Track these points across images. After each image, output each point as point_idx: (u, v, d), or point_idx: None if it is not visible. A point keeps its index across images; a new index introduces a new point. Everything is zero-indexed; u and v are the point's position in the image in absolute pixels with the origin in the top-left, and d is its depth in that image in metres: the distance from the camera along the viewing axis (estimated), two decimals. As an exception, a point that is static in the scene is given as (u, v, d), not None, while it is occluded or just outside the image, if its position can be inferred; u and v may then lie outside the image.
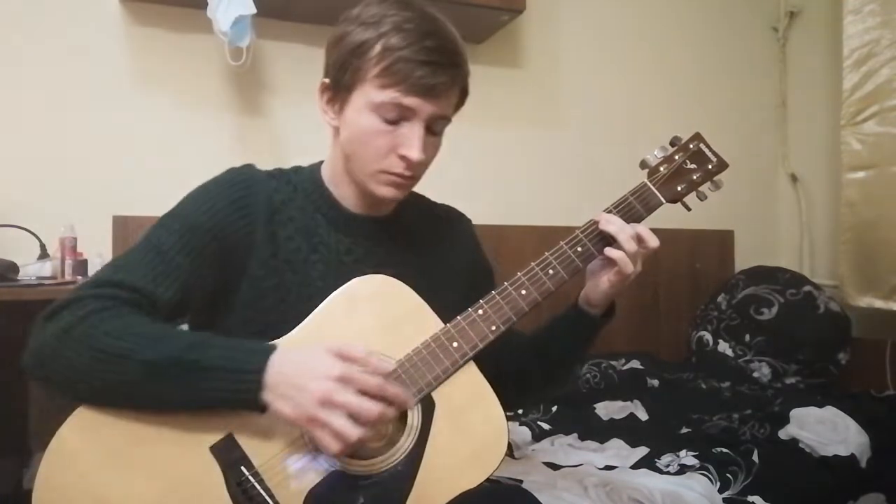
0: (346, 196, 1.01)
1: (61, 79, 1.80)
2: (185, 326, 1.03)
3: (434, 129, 0.96)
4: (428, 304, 0.95)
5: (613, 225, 0.98)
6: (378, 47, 0.90)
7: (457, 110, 1.01)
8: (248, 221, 0.95)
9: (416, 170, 0.96)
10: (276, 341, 0.89)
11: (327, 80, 0.97)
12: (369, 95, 0.92)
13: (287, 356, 0.81)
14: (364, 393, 0.78)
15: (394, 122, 0.92)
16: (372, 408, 0.78)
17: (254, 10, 1.73)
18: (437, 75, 0.90)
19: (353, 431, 0.77)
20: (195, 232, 0.92)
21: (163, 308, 0.88)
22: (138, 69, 1.88)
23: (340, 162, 1.00)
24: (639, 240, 0.98)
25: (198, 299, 0.95)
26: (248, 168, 1.01)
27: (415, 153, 0.92)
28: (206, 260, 0.92)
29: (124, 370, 0.80)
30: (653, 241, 0.99)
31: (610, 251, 0.98)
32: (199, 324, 1.01)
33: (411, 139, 0.92)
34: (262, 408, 0.80)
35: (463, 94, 1.00)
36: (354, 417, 0.77)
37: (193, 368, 0.80)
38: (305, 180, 1.02)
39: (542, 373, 1.11)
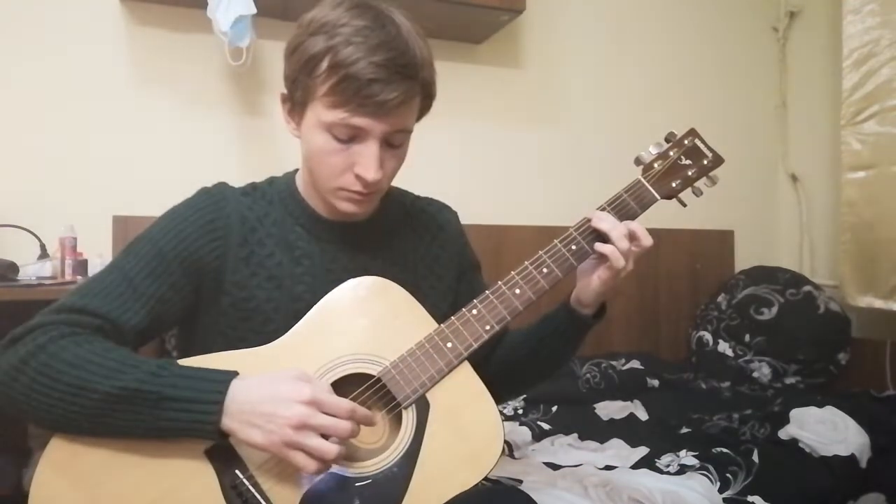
0: (321, 204, 1.00)
1: (62, 78, 1.80)
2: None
3: (392, 143, 0.92)
4: (422, 299, 0.94)
5: (606, 222, 0.97)
6: (325, 63, 0.86)
7: (422, 116, 0.98)
8: (218, 245, 0.94)
9: (376, 186, 0.92)
10: (268, 345, 0.89)
11: (285, 91, 0.95)
12: (319, 114, 0.89)
13: (250, 383, 0.80)
14: (334, 415, 0.79)
15: (347, 141, 0.89)
16: (345, 426, 0.79)
17: (254, 10, 1.73)
18: (386, 92, 0.85)
19: (332, 449, 0.77)
20: (163, 258, 0.91)
21: (128, 334, 0.88)
22: (138, 69, 1.88)
23: (307, 171, 0.99)
24: (631, 237, 0.96)
25: (170, 323, 0.95)
26: (220, 188, 0.99)
27: (370, 174, 0.89)
28: (176, 286, 0.91)
29: (83, 402, 0.79)
30: (646, 240, 0.97)
31: (601, 246, 0.96)
32: (183, 346, 1.01)
33: (367, 158, 0.89)
34: (223, 436, 0.80)
35: (426, 100, 0.95)
36: (328, 436, 0.78)
37: (152, 399, 0.79)
38: (282, 191, 1.01)
39: (532, 369, 1.11)
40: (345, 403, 0.80)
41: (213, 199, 0.97)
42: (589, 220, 0.99)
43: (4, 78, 1.75)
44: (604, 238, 0.98)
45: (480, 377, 0.93)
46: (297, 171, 1.05)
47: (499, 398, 0.93)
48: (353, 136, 0.89)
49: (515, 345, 1.11)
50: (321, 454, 0.77)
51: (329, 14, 0.88)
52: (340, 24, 0.87)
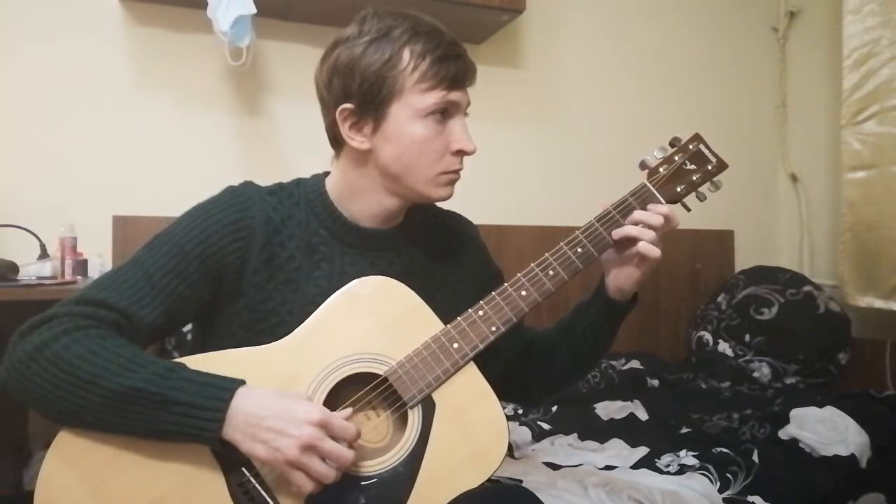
0: (357, 212, 1.00)
1: (61, 78, 1.80)
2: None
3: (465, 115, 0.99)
4: (436, 309, 0.94)
5: (626, 228, 0.98)
6: (406, 56, 0.91)
7: None
8: (242, 245, 0.93)
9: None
10: (274, 344, 0.90)
11: (350, 105, 0.94)
12: (414, 104, 0.92)
13: (256, 395, 0.81)
14: (340, 439, 0.80)
15: (442, 122, 0.94)
16: (348, 455, 0.80)
17: (254, 10, 1.73)
18: (466, 65, 0.95)
19: (331, 474, 0.79)
20: (185, 255, 0.91)
21: (144, 330, 0.88)
22: (138, 69, 1.88)
23: (365, 181, 0.98)
24: (667, 220, 0.99)
25: (186, 321, 0.95)
26: (246, 187, 0.99)
27: (471, 145, 0.96)
28: (195, 284, 0.91)
29: (90, 396, 0.79)
30: (675, 222, 1.00)
31: (642, 247, 0.97)
32: (195, 344, 1.01)
33: (461, 133, 0.96)
34: (224, 444, 0.80)
35: None
36: (331, 462, 0.79)
37: (155, 401, 0.79)
38: (309, 193, 1.00)
39: (573, 366, 1.12)
40: (352, 429, 0.81)
41: (239, 199, 0.96)
42: (594, 224, 1.00)
43: (4, 78, 1.75)
44: (614, 241, 1.00)
45: (515, 377, 0.94)
46: (326, 174, 1.04)
47: (539, 401, 0.94)
48: (447, 115, 0.95)
49: (552, 346, 1.12)
50: (320, 478, 0.79)
51: (373, 24, 0.94)
52: (395, 24, 0.93)
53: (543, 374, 1.13)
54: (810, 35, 2.67)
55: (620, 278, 1.03)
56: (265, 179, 1.04)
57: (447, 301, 1.02)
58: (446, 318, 0.94)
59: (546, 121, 2.38)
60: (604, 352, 1.13)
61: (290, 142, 1.98)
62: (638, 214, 0.99)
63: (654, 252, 0.97)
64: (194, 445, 0.82)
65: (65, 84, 1.80)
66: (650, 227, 0.98)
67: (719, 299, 2.37)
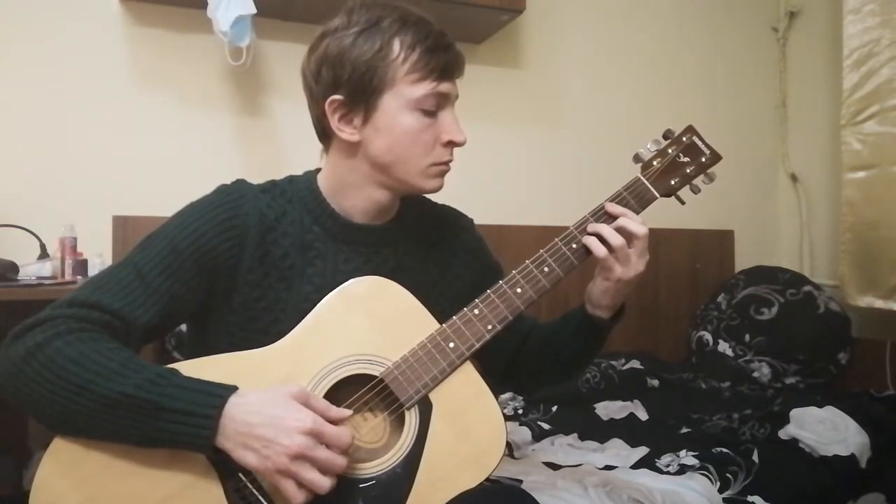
0: (349, 207, 1.00)
1: (62, 78, 1.80)
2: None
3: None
4: (431, 305, 0.94)
5: (592, 226, 0.97)
6: (396, 46, 0.91)
7: None
8: (235, 243, 0.93)
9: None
10: (270, 347, 0.89)
11: (339, 97, 0.93)
12: (405, 94, 0.92)
13: (248, 401, 0.80)
14: (333, 447, 0.79)
15: (432, 114, 0.94)
16: (341, 462, 0.79)
17: (254, 10, 1.73)
18: (456, 56, 0.95)
19: (325, 483, 0.78)
20: (178, 255, 0.90)
21: (138, 331, 0.87)
22: (138, 69, 1.88)
23: (355, 174, 0.98)
24: (622, 231, 0.96)
25: (180, 321, 0.95)
26: (239, 185, 0.98)
27: (461, 136, 0.96)
28: (189, 283, 0.91)
29: (82, 401, 0.78)
30: (638, 229, 0.96)
31: (587, 240, 0.97)
32: (190, 344, 1.01)
33: (452, 124, 0.96)
34: (217, 451, 0.80)
35: None
36: (324, 471, 0.78)
37: (147, 408, 0.78)
38: (302, 190, 1.00)
39: (556, 368, 1.12)
40: (345, 437, 0.80)
41: (232, 197, 0.95)
42: (588, 219, 1.00)
43: (4, 79, 1.75)
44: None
45: (508, 368, 0.96)
46: (317, 170, 1.04)
47: (531, 392, 0.94)
48: (437, 107, 0.95)
49: (542, 343, 1.11)
50: (313, 487, 0.78)
51: (361, 16, 0.93)
52: (384, 15, 0.93)
53: (534, 370, 1.13)
54: (810, 35, 2.66)
55: (589, 287, 1.02)
56: (265, 179, 1.04)
57: (445, 295, 1.02)
58: (445, 311, 0.94)
59: (546, 121, 2.38)
60: (586, 363, 1.13)
61: (290, 142, 1.98)
62: (591, 227, 0.97)
63: (605, 254, 0.95)
64: (190, 452, 0.81)
65: (65, 84, 1.80)
66: (607, 238, 0.96)
67: (719, 299, 2.37)
